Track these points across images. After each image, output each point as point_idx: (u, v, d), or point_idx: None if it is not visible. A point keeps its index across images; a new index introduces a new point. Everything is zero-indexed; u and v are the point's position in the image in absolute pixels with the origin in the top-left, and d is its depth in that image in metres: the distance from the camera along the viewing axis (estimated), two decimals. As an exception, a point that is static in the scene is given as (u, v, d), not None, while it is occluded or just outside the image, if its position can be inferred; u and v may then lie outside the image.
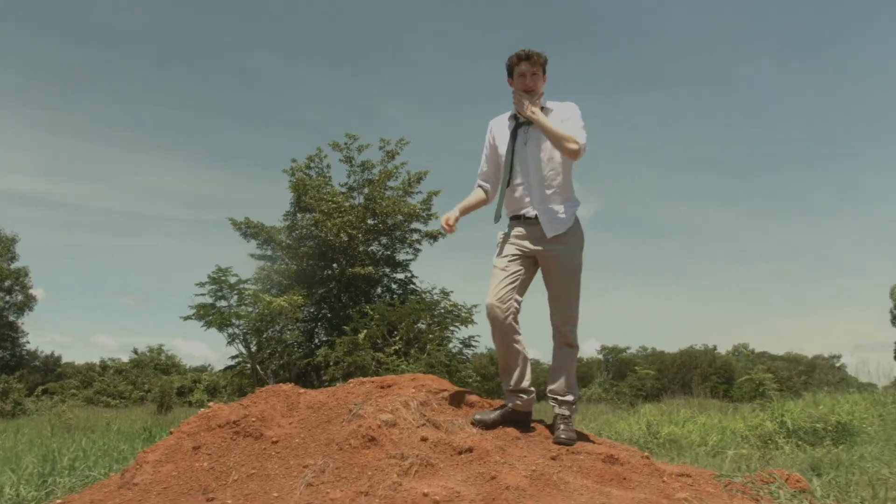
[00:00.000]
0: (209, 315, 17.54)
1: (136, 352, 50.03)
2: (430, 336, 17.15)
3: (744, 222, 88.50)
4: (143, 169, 77.10)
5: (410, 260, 20.18)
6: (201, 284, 17.59)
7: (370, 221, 19.10)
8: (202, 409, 4.01)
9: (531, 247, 4.17)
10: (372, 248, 19.60)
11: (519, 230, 4.23)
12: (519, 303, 4.12)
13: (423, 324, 17.54)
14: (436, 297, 18.39)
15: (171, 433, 3.89)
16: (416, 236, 19.92)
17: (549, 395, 4.22)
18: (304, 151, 30.04)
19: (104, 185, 78.78)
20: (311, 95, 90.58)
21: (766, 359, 55.88)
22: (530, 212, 4.18)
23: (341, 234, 18.35)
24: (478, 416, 3.97)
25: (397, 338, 16.78)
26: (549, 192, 4.17)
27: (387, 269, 20.04)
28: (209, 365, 47.31)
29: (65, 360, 53.38)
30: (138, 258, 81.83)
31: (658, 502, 3.15)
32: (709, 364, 56.05)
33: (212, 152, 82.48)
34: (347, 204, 18.83)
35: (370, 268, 18.84)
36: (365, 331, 16.44)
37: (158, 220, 78.90)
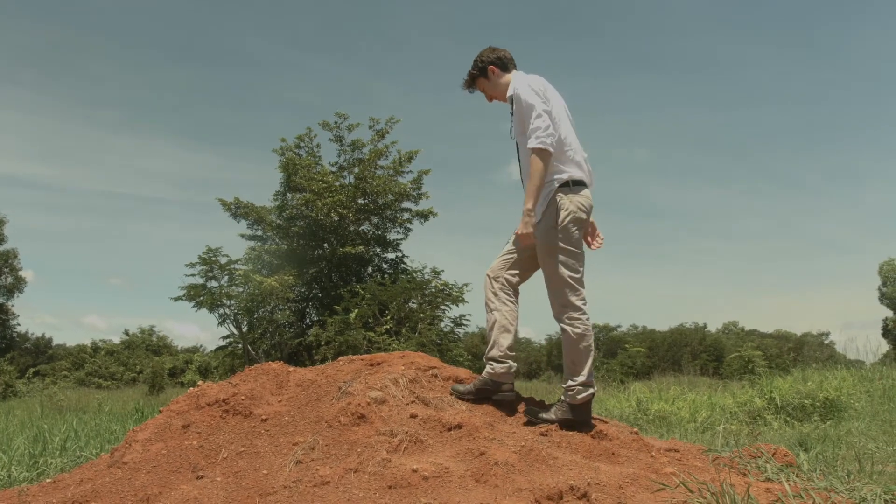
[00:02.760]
0: (200, 296, 17.52)
1: (127, 333, 49.97)
2: (422, 315, 17.18)
3: (734, 202, 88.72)
4: (131, 150, 76.45)
5: (401, 239, 20.21)
6: (191, 265, 17.58)
7: (361, 201, 19.06)
8: (191, 388, 4.00)
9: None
10: (363, 227, 19.57)
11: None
12: (509, 276, 4.13)
13: (414, 303, 17.56)
14: (427, 277, 18.40)
15: (160, 412, 3.89)
16: (406, 216, 19.91)
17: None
18: (293, 131, 29.91)
19: (92, 167, 78.25)
20: (301, 75, 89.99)
21: (756, 336, 56.19)
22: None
23: (332, 214, 18.30)
24: (456, 386, 3.99)
25: (388, 317, 16.79)
26: (525, 177, 4.09)
27: (377, 249, 20.03)
28: (201, 346, 47.30)
29: (56, 342, 53.34)
30: (128, 239, 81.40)
31: (646, 476, 3.17)
32: (699, 342, 56.41)
33: (200, 133, 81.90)
34: (338, 183, 18.78)
35: (361, 247, 18.81)
36: (356, 310, 16.45)
37: (147, 200, 78.40)
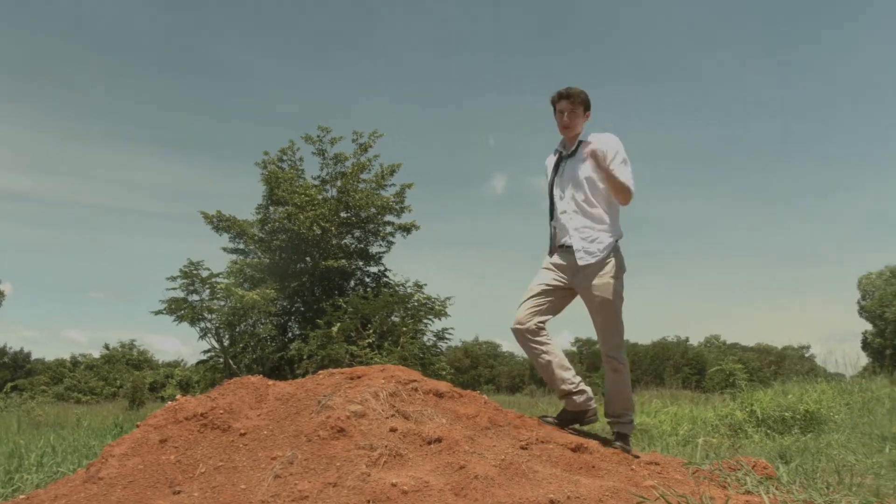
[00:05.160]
0: (181, 310, 17.39)
1: (107, 347, 49.56)
2: (404, 329, 17.13)
3: (716, 215, 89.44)
4: (112, 162, 76.25)
5: (384, 252, 20.16)
6: (172, 278, 17.42)
7: (343, 214, 19.02)
8: (169, 402, 3.97)
9: (567, 277, 4.39)
10: (345, 241, 19.52)
11: (557, 259, 4.44)
12: (541, 323, 4.38)
13: (396, 317, 17.53)
14: (409, 290, 18.38)
15: (137, 426, 3.85)
16: (389, 229, 19.88)
17: (606, 418, 4.56)
18: (276, 144, 29.84)
19: (72, 179, 77.91)
20: (284, 88, 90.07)
21: (738, 350, 56.53)
22: (567, 241, 4.37)
23: (314, 227, 18.26)
24: (548, 419, 4.38)
25: (371, 331, 16.73)
26: (585, 221, 4.34)
27: (360, 262, 19.98)
28: (182, 360, 46.97)
29: (34, 356, 52.87)
30: (109, 252, 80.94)
31: (626, 490, 3.16)
32: (681, 355, 56.69)
33: (183, 145, 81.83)
34: (320, 197, 18.74)
35: (343, 261, 18.76)
36: (338, 324, 16.38)
37: (129, 213, 78.13)
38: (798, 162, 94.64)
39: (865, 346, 43.86)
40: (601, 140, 4.39)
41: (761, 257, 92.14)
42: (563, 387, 4.40)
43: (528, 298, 4.38)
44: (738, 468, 3.93)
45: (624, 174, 4.26)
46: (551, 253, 4.55)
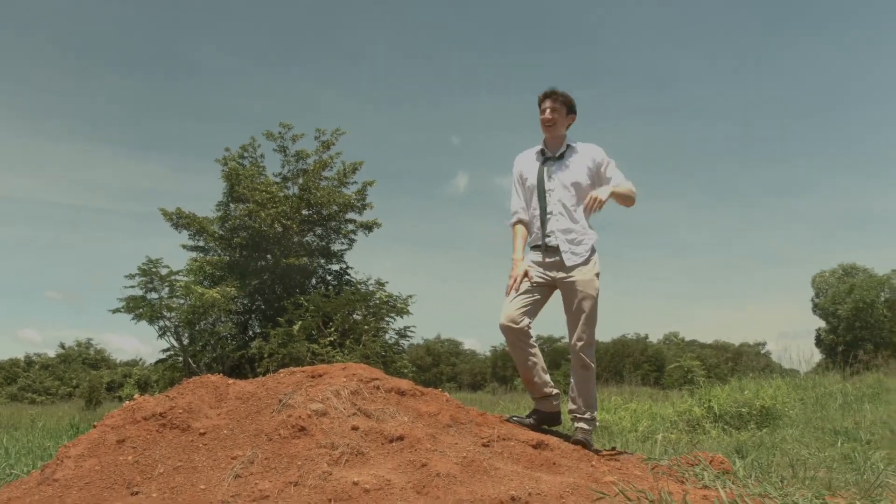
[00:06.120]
0: (139, 308, 17.14)
1: (63, 346, 48.59)
2: (366, 327, 17.06)
3: (675, 215, 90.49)
4: (70, 159, 74.76)
5: (345, 250, 20.03)
6: (131, 276, 17.18)
7: (305, 212, 18.86)
8: (127, 402, 3.91)
9: (551, 274, 4.47)
10: (306, 238, 19.35)
11: (539, 258, 4.53)
12: (530, 324, 4.45)
13: (358, 315, 17.44)
14: (371, 288, 18.30)
15: (94, 427, 3.78)
16: (350, 227, 19.76)
17: (569, 413, 4.63)
18: (237, 141, 29.51)
19: (30, 176, 76.20)
20: (245, 85, 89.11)
21: (696, 347, 57.26)
22: (552, 241, 4.47)
23: (275, 225, 18.09)
24: (516, 419, 4.45)
25: (332, 329, 16.64)
26: (571, 224, 4.48)
27: (321, 260, 19.83)
28: (140, 359, 46.22)
29: (-14, 356, 51.48)
30: (66, 251, 79.39)
31: (586, 486, 3.20)
32: (641, 352, 57.19)
33: (142, 142, 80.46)
34: (281, 194, 18.56)
35: (305, 258, 18.60)
36: (300, 322, 16.26)
37: (87, 211, 76.65)
38: (755, 164, 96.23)
39: (819, 342, 44.72)
40: (587, 150, 4.59)
41: (719, 256, 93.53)
42: (546, 389, 4.54)
43: (517, 296, 4.44)
44: (695, 463, 3.99)
45: (626, 182, 4.48)
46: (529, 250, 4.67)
